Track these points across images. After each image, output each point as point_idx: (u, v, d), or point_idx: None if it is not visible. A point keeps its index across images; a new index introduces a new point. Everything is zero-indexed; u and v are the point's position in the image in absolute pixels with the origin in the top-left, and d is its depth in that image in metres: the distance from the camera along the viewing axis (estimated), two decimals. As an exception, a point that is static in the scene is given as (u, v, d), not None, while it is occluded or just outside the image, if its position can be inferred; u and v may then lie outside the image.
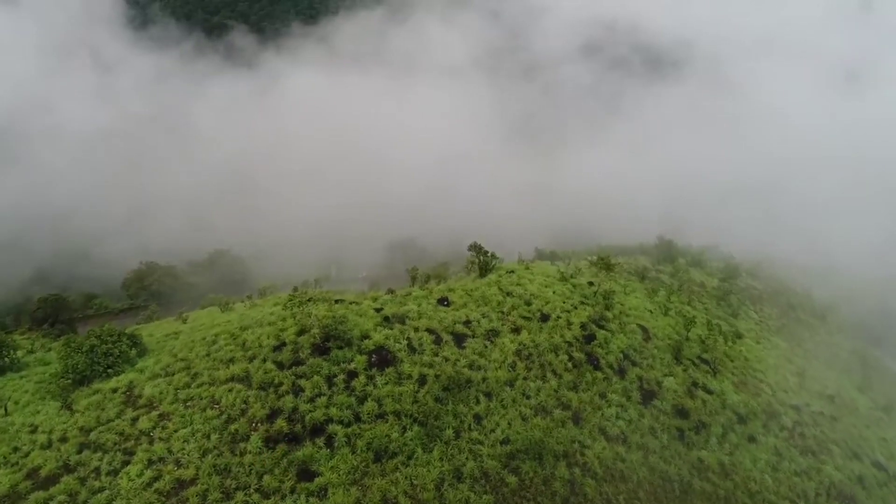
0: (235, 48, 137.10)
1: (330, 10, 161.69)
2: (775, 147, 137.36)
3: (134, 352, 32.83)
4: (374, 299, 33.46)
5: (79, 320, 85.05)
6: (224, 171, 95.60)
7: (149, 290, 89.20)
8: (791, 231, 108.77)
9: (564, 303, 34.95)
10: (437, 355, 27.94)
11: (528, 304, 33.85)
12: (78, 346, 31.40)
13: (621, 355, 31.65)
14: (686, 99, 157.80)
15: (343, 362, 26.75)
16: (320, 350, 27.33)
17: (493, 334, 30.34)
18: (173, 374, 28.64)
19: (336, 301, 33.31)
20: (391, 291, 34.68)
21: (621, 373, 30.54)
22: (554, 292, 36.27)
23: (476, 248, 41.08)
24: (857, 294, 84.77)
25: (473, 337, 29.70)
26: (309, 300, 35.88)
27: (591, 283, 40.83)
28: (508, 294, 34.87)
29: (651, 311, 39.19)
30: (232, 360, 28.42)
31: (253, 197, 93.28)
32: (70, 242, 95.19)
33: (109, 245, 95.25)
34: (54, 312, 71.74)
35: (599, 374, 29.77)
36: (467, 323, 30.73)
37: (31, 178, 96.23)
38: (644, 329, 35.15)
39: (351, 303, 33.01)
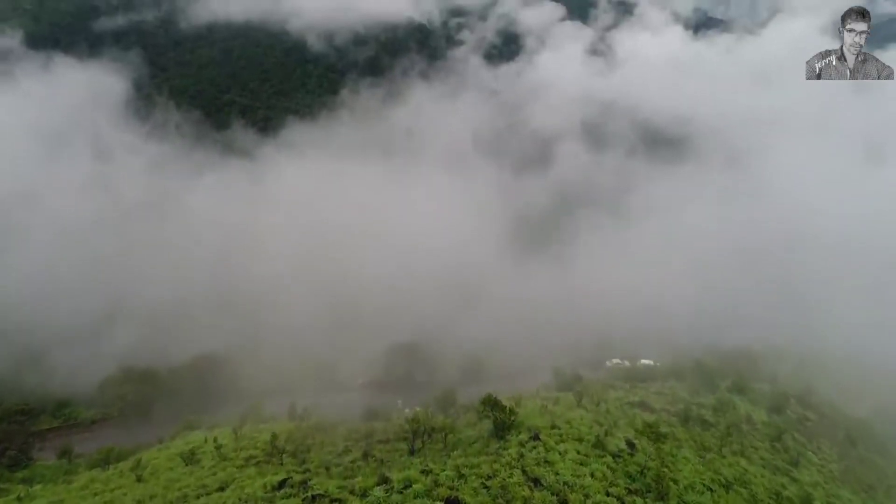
0: (235, 139, 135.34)
1: (329, 100, 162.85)
2: (793, 228, 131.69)
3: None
4: (363, 494, 25.94)
5: (45, 433, 77.65)
6: (214, 267, 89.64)
7: (124, 400, 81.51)
8: (820, 321, 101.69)
9: (608, 494, 27.29)
10: None
11: (564, 501, 26.21)
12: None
13: (690, 584, 23.75)
14: (697, 180, 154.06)
15: None
16: None
17: (519, 564, 22.60)
18: None
19: (313, 497, 25.83)
20: (385, 480, 27.16)
21: None
22: (592, 474, 28.70)
23: (491, 403, 33.91)
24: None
25: (494, 573, 21.97)
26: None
27: (631, 446, 33.35)
28: (535, 482, 27.32)
29: (711, 490, 31.38)
30: None
31: (244, 294, 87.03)
32: (45, 341, 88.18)
33: (87, 344, 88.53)
34: (9, 437, 64.08)
35: None
36: (485, 546, 23.06)
37: (7, 271, 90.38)
38: (711, 529, 27.36)
39: (333, 501, 25.50)
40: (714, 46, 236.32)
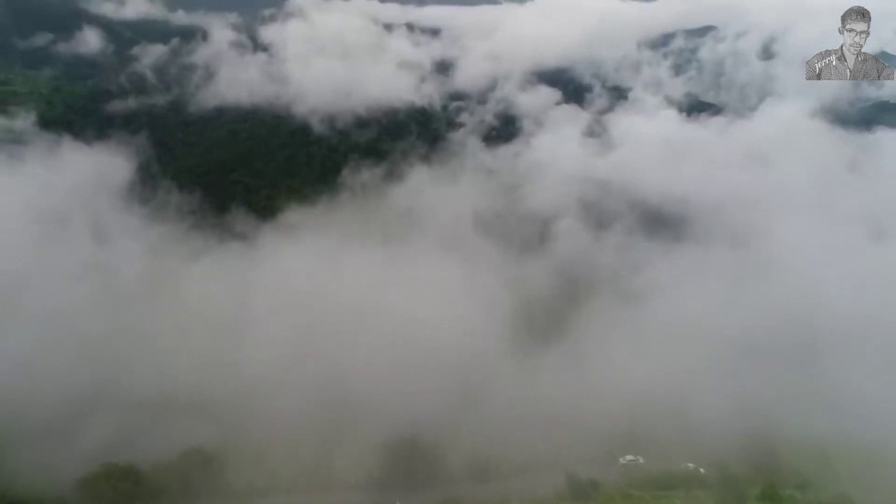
0: (235, 222, 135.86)
1: (330, 181, 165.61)
2: (804, 310, 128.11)
3: None
4: None
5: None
6: (205, 356, 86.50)
7: (103, 500, 75.80)
8: (839, 410, 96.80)
9: None
10: None
11: None
12: None
13: None
14: (698, 260, 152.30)
15: None
16: None
17: None
18: None
19: None
20: None
21: None
22: None
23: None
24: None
25: None
26: None
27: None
28: None
29: None
30: None
31: (236, 384, 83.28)
32: (24, 433, 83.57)
33: (68, 437, 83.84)
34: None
35: None
36: None
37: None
38: None
39: None
40: (707, 129, 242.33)
